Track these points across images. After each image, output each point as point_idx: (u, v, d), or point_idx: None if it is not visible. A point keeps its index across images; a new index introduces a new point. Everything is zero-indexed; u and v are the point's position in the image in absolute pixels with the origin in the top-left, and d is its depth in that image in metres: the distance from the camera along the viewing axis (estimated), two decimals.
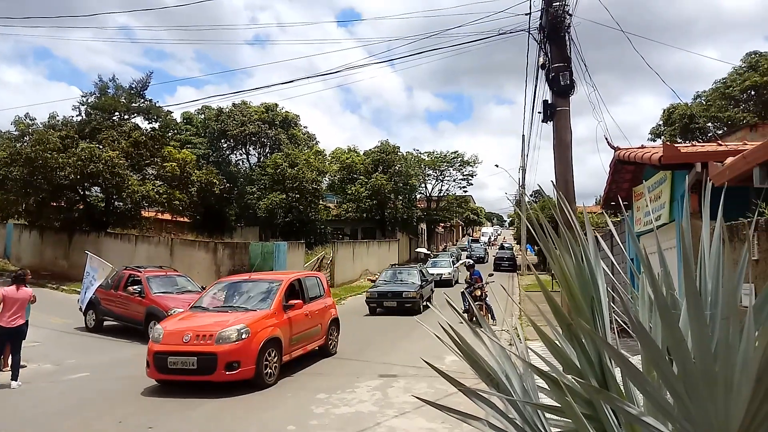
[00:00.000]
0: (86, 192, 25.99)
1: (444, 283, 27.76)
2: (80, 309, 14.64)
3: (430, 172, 50.78)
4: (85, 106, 28.25)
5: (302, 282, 10.99)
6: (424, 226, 52.21)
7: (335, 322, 11.77)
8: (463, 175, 51.65)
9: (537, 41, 9.81)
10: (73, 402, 7.98)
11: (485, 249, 55.69)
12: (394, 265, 22.92)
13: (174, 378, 8.51)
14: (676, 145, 9.19)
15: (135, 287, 13.64)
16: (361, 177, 42.27)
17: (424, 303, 19.56)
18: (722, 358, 1.25)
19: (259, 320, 9.03)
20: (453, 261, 32.74)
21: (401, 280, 19.97)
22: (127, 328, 13.75)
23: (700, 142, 19.44)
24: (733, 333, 1.25)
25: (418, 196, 49.19)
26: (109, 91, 28.33)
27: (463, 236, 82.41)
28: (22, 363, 9.49)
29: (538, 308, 2.42)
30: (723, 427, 1.24)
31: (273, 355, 9.00)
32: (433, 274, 24.54)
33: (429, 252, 43.90)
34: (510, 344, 2.01)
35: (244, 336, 8.53)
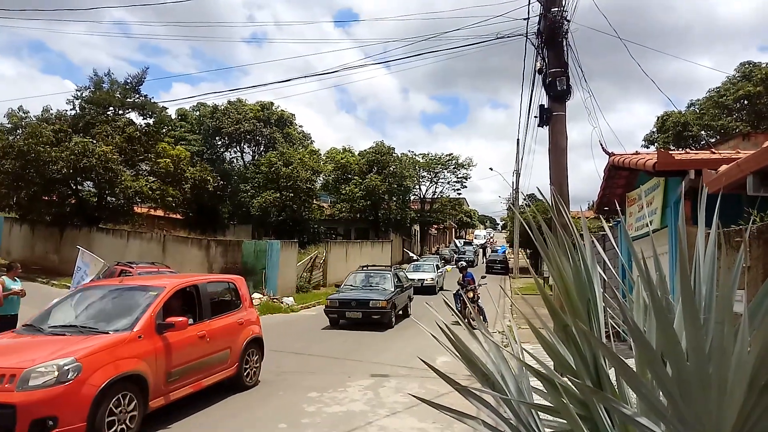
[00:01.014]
0: (79, 186, 25.85)
1: (426, 290, 24.78)
2: None
3: (425, 173, 50.91)
4: (80, 101, 28.10)
5: (200, 290, 7.88)
6: (417, 227, 52.28)
7: (256, 343, 8.91)
8: (457, 178, 51.86)
9: (535, 46, 9.85)
10: None
11: (475, 252, 53.17)
12: (366, 266, 19.75)
13: None
14: (670, 152, 9.25)
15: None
16: (356, 177, 42.28)
17: (399, 312, 16.64)
18: (716, 360, 1.27)
19: (106, 349, 6.02)
20: (437, 265, 29.43)
21: (371, 286, 16.67)
22: None
23: (693, 149, 19.60)
24: (727, 337, 1.27)
25: (412, 198, 49.29)
26: (103, 85, 28.19)
27: (457, 238, 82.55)
28: None
29: (533, 310, 2.44)
30: (715, 429, 1.26)
31: (127, 401, 6.04)
32: (413, 280, 21.55)
33: (413, 255, 40.40)
34: (504, 345, 2.03)
35: (70, 376, 5.53)
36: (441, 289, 27.27)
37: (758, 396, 1.22)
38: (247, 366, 8.62)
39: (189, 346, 7.19)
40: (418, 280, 24.44)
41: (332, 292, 18.82)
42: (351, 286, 17.01)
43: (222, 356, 7.97)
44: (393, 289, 16.10)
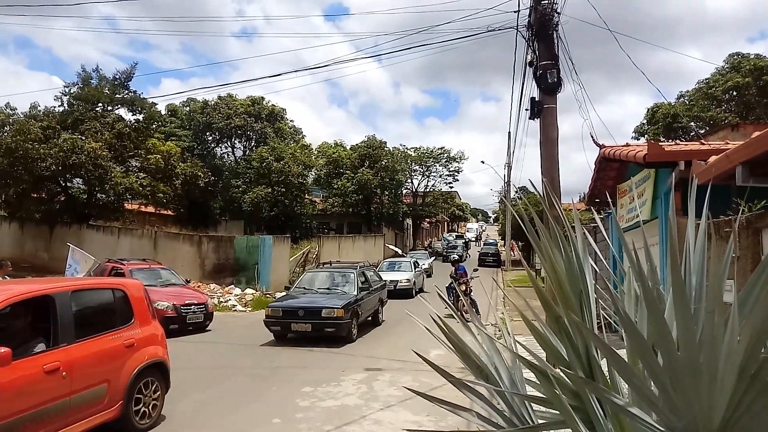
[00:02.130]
0: (68, 183, 25.63)
1: (401, 293, 20.64)
2: None
3: (417, 167, 50.84)
4: (68, 97, 27.82)
5: (56, 303, 5.54)
6: (410, 221, 52.30)
7: (155, 370, 6.66)
8: (449, 171, 51.81)
9: (525, 39, 9.86)
10: None
11: (465, 247, 51.23)
12: (328, 263, 16.91)
13: None
14: (659, 143, 9.31)
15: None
16: (348, 172, 42.19)
17: (369, 318, 14.11)
18: (707, 350, 1.28)
19: None
20: (415, 263, 25.12)
21: (328, 289, 13.51)
22: None
23: (683, 140, 19.71)
24: (718, 326, 1.28)
25: (404, 192, 49.25)
26: (92, 81, 27.91)
27: (449, 232, 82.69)
28: None
29: (526, 302, 2.46)
30: (706, 417, 1.27)
31: None
32: (385, 282, 17.41)
33: (397, 249, 35.32)
34: (497, 338, 2.04)
35: None
36: (420, 291, 23.58)
37: (748, 384, 1.23)
38: (140, 404, 6.34)
39: (28, 387, 4.93)
40: (391, 281, 20.07)
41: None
42: (304, 288, 13.79)
43: (94, 394, 5.70)
44: (356, 293, 13.06)
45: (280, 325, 12.04)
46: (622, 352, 1.54)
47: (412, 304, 18.94)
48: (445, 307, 2.12)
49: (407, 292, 21.42)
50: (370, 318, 14.21)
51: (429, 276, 29.20)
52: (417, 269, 24.09)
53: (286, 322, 11.96)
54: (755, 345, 1.22)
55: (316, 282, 14.15)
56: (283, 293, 15.72)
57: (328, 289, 13.54)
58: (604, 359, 1.57)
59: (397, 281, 21.35)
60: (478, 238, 75.30)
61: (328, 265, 16.59)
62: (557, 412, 1.62)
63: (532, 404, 1.76)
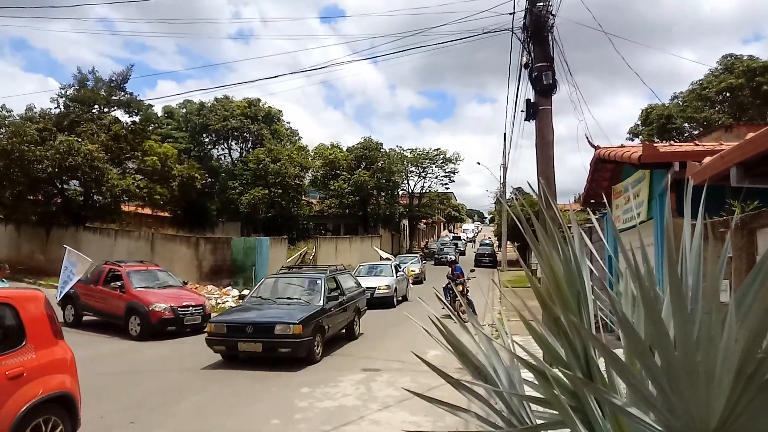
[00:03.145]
0: (64, 186, 25.57)
1: (379, 302, 18.13)
2: (57, 303, 14.44)
3: (413, 168, 50.91)
4: (64, 99, 27.84)
5: None
6: (406, 222, 52.34)
7: (56, 405, 5.25)
8: (445, 172, 51.90)
9: (521, 41, 9.89)
10: None
11: (457, 249, 48.44)
12: (295, 268, 14.92)
13: None
14: (654, 144, 9.35)
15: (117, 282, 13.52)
16: (344, 173, 42.22)
17: (342, 331, 12.27)
18: (704, 350, 1.29)
19: None
20: (396, 267, 22.33)
21: (289, 299, 11.36)
22: (107, 323, 13.60)
23: (677, 141, 19.78)
24: (714, 326, 1.30)
25: (400, 193, 49.30)
26: (88, 83, 27.92)
27: (449, 232, 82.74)
28: None
29: (523, 302, 2.47)
30: (704, 417, 1.28)
31: None
32: (364, 289, 15.00)
33: (382, 253, 30.93)
34: (495, 338, 2.05)
35: None
36: (403, 300, 20.97)
37: (745, 384, 1.24)
38: None
39: None
40: (367, 288, 16.90)
41: None
42: (260, 299, 11.70)
43: None
44: (322, 304, 11.00)
45: (225, 344, 10.02)
46: (620, 352, 1.55)
47: (393, 314, 17.18)
48: (443, 308, 2.13)
49: (386, 300, 18.76)
50: (344, 330, 12.40)
51: (420, 282, 26.99)
52: (399, 274, 21.39)
53: (232, 340, 9.91)
54: (752, 345, 1.23)
55: (276, 291, 11.98)
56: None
57: (288, 299, 11.37)
58: (602, 359, 1.58)
59: (375, 288, 18.39)
60: (472, 240, 75.29)
61: (295, 270, 14.35)
62: (556, 413, 1.63)
63: (531, 404, 1.77)
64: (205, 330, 10.37)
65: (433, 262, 40.20)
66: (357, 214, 43.20)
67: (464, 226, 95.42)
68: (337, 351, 11.46)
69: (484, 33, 11.45)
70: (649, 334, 1.45)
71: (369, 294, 16.77)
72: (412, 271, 26.66)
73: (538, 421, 1.76)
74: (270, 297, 11.68)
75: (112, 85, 28.32)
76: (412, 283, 24.28)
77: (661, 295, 1.69)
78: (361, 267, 22.32)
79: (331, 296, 11.70)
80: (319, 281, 11.74)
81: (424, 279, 28.81)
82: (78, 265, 14.13)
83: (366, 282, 17.57)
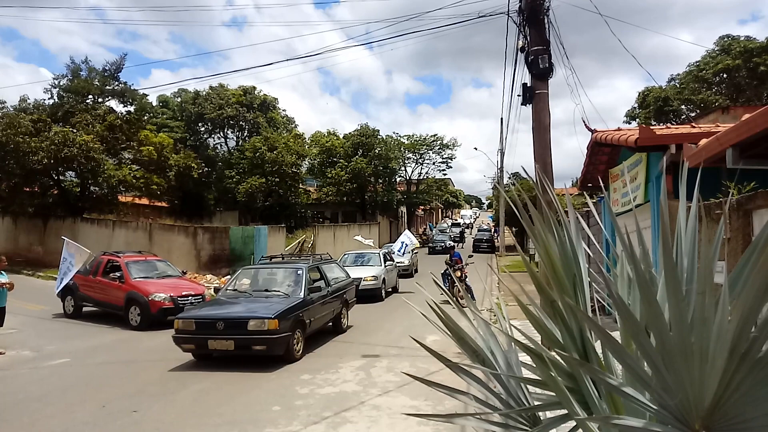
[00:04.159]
0: (61, 177, 25.51)
1: (366, 294, 16.82)
2: (57, 295, 14.48)
3: (410, 155, 50.82)
4: (57, 89, 27.60)
5: None
6: (404, 209, 52.35)
7: None
8: (443, 159, 51.84)
9: (516, 24, 9.83)
10: (54, 388, 7.93)
11: (451, 236, 46.07)
12: (277, 257, 13.83)
13: None
14: (651, 127, 9.34)
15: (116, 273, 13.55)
16: (341, 160, 42.14)
17: (329, 324, 11.62)
18: (698, 330, 1.31)
19: None
20: (385, 255, 20.30)
21: (267, 291, 10.58)
22: (107, 314, 13.64)
23: (674, 124, 19.77)
24: (708, 307, 1.31)
25: (398, 180, 49.25)
26: (81, 73, 27.67)
27: (445, 218, 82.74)
28: (0, 350, 9.38)
29: (520, 287, 2.49)
30: (698, 396, 1.30)
31: None
32: (352, 279, 14.08)
33: (363, 240, 25.52)
34: (493, 322, 2.07)
35: None
36: (393, 291, 19.44)
37: (738, 363, 1.26)
38: None
39: None
40: (354, 279, 15.51)
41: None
42: (236, 291, 10.90)
43: None
44: (302, 296, 10.19)
45: (194, 342, 9.18)
46: (616, 334, 1.57)
47: (381, 308, 16.07)
48: (441, 293, 2.15)
49: (374, 292, 17.35)
50: (330, 324, 11.71)
51: (410, 275, 23.73)
52: (388, 264, 19.59)
53: (201, 338, 9.08)
54: (745, 324, 1.24)
55: (253, 282, 11.32)
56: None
57: (266, 291, 10.58)
58: (598, 341, 1.60)
59: (360, 279, 16.83)
60: (469, 226, 75.21)
61: (275, 258, 13.38)
62: (553, 394, 1.65)
63: (528, 386, 1.79)
64: (173, 327, 9.44)
65: (427, 250, 38.40)
66: (355, 202, 43.20)
67: (462, 212, 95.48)
68: (317, 350, 10.45)
69: (480, 17, 11.38)
70: (644, 315, 1.47)
71: (355, 284, 15.54)
72: (400, 262, 22.23)
73: (536, 403, 1.78)
74: (247, 289, 10.92)
75: (105, 74, 28.07)
76: (398, 276, 21.21)
77: (657, 276, 1.71)
78: (346, 256, 20.73)
79: (314, 287, 10.87)
80: (299, 271, 10.84)
81: (416, 271, 25.64)
82: (76, 256, 14.14)
83: (351, 272, 16.12)
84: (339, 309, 11.95)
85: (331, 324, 11.77)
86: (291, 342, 9.31)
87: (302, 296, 10.20)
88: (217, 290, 14.59)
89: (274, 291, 10.50)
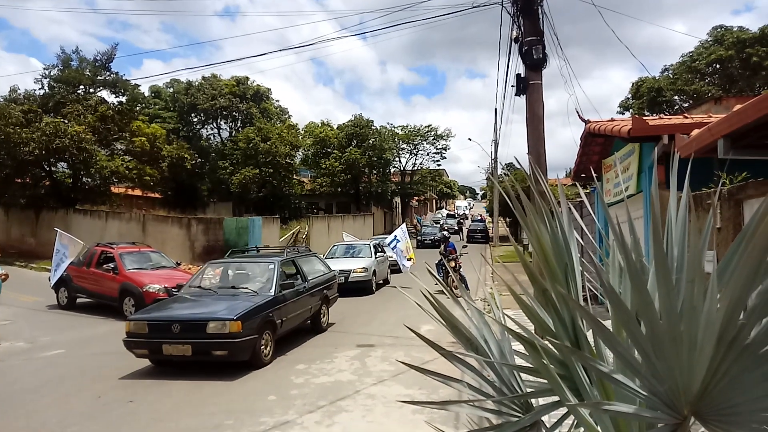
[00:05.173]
0: (52, 168, 25.34)
1: (355, 287, 16.17)
2: (51, 287, 14.43)
3: (404, 146, 50.72)
4: (48, 79, 27.37)
5: None
6: (398, 199, 52.34)
7: None
8: (437, 149, 51.76)
9: (510, 14, 9.80)
10: (49, 379, 7.94)
11: (441, 227, 40.04)
12: (248, 251, 13.15)
13: None
14: (644, 118, 9.38)
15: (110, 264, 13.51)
16: (335, 151, 42.04)
17: (308, 322, 10.76)
18: (687, 318, 1.34)
19: None
20: (376, 246, 19.54)
21: (234, 288, 9.55)
22: (101, 305, 13.62)
23: (667, 114, 19.83)
24: (697, 295, 1.34)
25: (392, 170, 49.19)
26: (72, 63, 27.45)
27: (438, 209, 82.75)
28: None
29: (514, 277, 2.51)
30: (687, 382, 1.33)
31: None
32: (334, 273, 12.77)
33: (348, 235, 24.15)
34: (487, 311, 2.10)
35: None
36: (384, 284, 18.63)
37: (726, 350, 1.29)
38: None
39: None
40: (341, 271, 15.37)
41: None
42: (199, 288, 9.82)
43: None
44: (273, 293, 9.24)
45: (147, 346, 8.27)
46: (608, 323, 1.59)
47: (372, 300, 15.41)
48: (435, 283, 2.17)
49: (364, 285, 16.54)
50: (309, 322, 10.84)
51: (398, 271, 19.90)
52: (378, 255, 18.83)
53: (155, 342, 8.14)
54: (733, 312, 1.27)
55: (220, 278, 10.59)
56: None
57: (233, 288, 9.60)
58: (590, 330, 1.63)
59: (350, 271, 16.29)
60: (464, 217, 74.97)
61: (248, 254, 12.49)
62: (545, 381, 1.68)
63: (521, 374, 1.82)
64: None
65: (416, 243, 33.99)
66: (349, 193, 43.15)
67: (457, 202, 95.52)
68: (311, 340, 10.26)
69: (474, 7, 11.34)
70: (635, 303, 1.49)
71: (343, 278, 15.36)
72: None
73: (529, 390, 1.81)
74: (211, 286, 9.98)
75: (96, 64, 27.84)
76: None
77: (647, 265, 1.73)
78: (335, 247, 19.96)
79: (287, 283, 9.82)
80: (271, 266, 9.90)
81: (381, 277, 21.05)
82: (70, 247, 14.10)
83: (340, 264, 16.27)
84: (318, 306, 11.03)
85: (309, 322, 10.90)
86: (258, 346, 8.34)
87: (273, 294, 9.21)
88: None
89: (242, 288, 9.49)
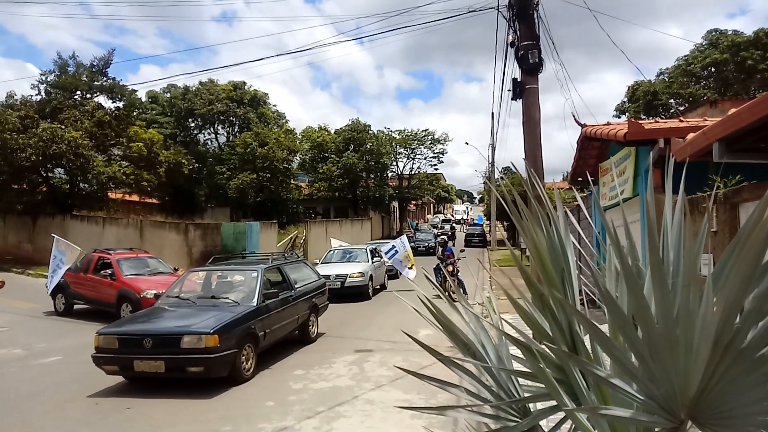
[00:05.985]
0: (49, 174, 25.28)
1: (352, 292, 15.85)
2: (49, 294, 14.38)
3: (402, 150, 50.79)
4: (45, 85, 27.35)
5: None
6: (396, 204, 52.38)
7: None
8: (434, 153, 51.86)
9: (506, 19, 9.86)
10: (46, 386, 7.91)
11: (437, 234, 37.64)
12: (232, 258, 13.05)
13: None
14: (639, 121, 9.41)
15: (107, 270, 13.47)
16: (333, 156, 42.08)
17: (295, 332, 10.10)
18: (683, 322, 1.34)
19: None
20: (373, 251, 19.29)
21: (213, 299, 9.03)
22: (99, 311, 13.57)
23: (662, 118, 19.90)
24: (693, 299, 1.34)
25: (389, 175, 49.23)
26: (69, 69, 27.43)
27: (434, 214, 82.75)
28: None
29: (511, 281, 2.51)
30: (683, 386, 1.33)
31: None
32: (323, 280, 12.20)
33: (337, 242, 22.95)
34: (484, 316, 2.10)
35: None
36: (381, 289, 18.37)
37: (722, 354, 1.29)
38: None
39: None
40: (337, 276, 15.58)
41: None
42: (177, 299, 9.17)
43: None
44: (256, 304, 8.67)
45: (117, 362, 7.68)
46: (605, 327, 1.60)
47: (366, 307, 14.96)
48: (433, 288, 2.17)
49: (360, 290, 16.16)
50: (296, 332, 10.22)
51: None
52: (375, 260, 18.47)
53: (126, 357, 7.57)
54: (728, 316, 1.27)
55: (201, 288, 10.12)
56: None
57: (213, 298, 9.07)
58: (587, 334, 1.63)
59: (346, 276, 16.02)
60: (461, 222, 74.74)
61: (230, 262, 11.93)
62: (542, 386, 1.68)
63: (519, 379, 1.82)
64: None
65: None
66: (347, 197, 43.18)
67: (455, 207, 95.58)
68: (308, 346, 10.06)
69: (470, 12, 11.40)
70: (631, 307, 1.49)
71: (339, 283, 15.45)
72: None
73: (526, 394, 1.81)
74: (191, 296, 9.34)
75: (93, 70, 27.84)
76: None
77: (644, 270, 1.74)
78: (331, 252, 19.76)
79: (271, 292, 9.20)
80: (255, 274, 9.34)
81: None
82: (67, 253, 14.05)
83: (336, 269, 16.31)
84: (306, 316, 10.43)
85: (297, 333, 10.26)
86: (237, 360, 7.77)
87: (255, 304, 8.63)
88: None
89: (223, 298, 8.97)
